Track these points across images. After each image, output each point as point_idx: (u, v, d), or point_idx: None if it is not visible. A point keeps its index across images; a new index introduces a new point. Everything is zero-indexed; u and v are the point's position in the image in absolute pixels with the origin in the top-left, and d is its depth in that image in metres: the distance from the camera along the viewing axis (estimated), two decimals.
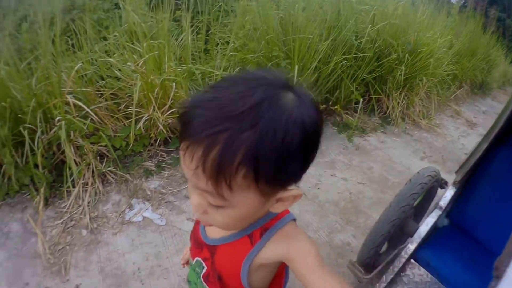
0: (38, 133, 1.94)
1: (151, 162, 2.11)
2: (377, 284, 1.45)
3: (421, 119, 3.45)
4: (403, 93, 3.31)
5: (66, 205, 2.01)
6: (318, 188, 2.31)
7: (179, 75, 2.16)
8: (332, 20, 2.79)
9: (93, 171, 2.02)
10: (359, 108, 2.82)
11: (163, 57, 2.16)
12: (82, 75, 2.16)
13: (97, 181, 2.00)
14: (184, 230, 1.88)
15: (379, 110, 3.14)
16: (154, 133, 2.10)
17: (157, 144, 2.16)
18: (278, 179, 0.57)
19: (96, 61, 2.26)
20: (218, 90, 0.56)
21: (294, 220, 0.76)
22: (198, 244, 0.81)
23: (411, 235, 1.58)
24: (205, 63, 2.41)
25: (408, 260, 1.52)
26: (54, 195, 2.09)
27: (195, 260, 0.82)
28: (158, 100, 2.09)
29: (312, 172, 2.41)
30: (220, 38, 2.62)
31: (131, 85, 2.16)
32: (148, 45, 2.13)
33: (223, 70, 2.27)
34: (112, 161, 2.06)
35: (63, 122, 1.92)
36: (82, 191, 2.01)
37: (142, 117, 2.08)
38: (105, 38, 2.49)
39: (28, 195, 2.08)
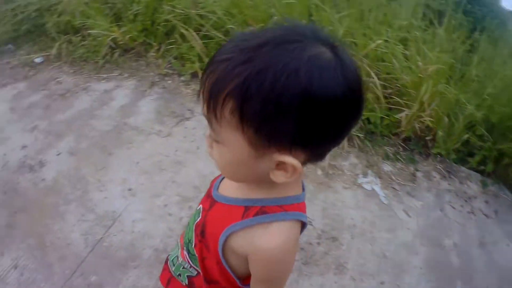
0: None
1: (390, 148, 2.29)
2: None
3: None
4: None
5: None
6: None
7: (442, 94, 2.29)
8: None
9: None
10: None
11: (443, 72, 2.31)
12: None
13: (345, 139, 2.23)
14: (399, 218, 2.05)
15: None
16: (404, 127, 2.28)
17: (401, 137, 2.34)
18: (264, 131, 0.51)
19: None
20: (258, 31, 0.53)
21: (304, 224, 0.67)
22: (208, 194, 0.78)
23: None
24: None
25: None
26: None
27: (199, 207, 0.81)
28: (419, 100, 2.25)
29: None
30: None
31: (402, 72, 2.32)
32: (436, 57, 2.29)
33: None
34: (362, 129, 2.28)
35: None
36: None
37: (403, 110, 2.26)
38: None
39: None
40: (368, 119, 2.29)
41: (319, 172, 2.12)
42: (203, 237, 0.74)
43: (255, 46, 0.49)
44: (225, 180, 0.76)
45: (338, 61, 0.49)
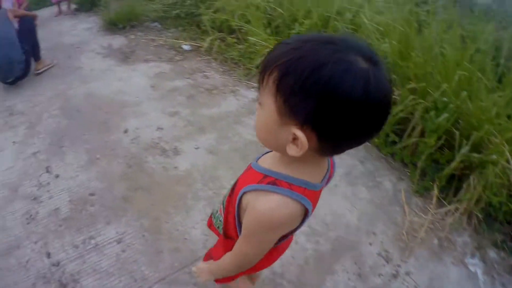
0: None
1: (501, 235, 2.41)
2: None
3: None
4: None
5: (440, 210, 2.40)
6: None
7: None
8: None
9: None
10: None
11: None
12: None
13: (463, 216, 2.40)
14: None
15: None
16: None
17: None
18: (290, 103, 0.63)
19: None
20: (317, 33, 0.73)
21: (306, 209, 0.78)
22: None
23: None
24: None
25: None
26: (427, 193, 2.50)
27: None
28: None
29: None
30: None
31: None
32: None
33: None
34: (483, 210, 2.41)
35: None
36: (459, 214, 2.40)
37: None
38: None
39: (409, 172, 2.51)
40: (490, 202, 2.43)
41: (435, 241, 2.31)
42: (232, 192, 0.92)
43: (305, 40, 0.64)
44: (266, 154, 0.92)
45: (369, 72, 0.60)
